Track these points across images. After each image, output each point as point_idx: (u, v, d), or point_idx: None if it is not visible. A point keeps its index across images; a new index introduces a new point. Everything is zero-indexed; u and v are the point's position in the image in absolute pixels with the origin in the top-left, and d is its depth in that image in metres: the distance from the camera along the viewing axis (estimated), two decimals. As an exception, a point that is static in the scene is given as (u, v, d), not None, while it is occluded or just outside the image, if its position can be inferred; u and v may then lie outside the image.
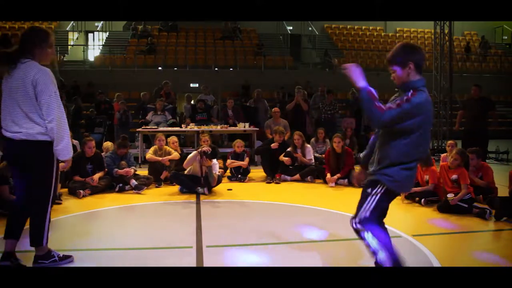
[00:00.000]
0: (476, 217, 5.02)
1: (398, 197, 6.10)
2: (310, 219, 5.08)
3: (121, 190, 6.53)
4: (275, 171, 7.61)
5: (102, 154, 7.02)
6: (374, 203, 2.82)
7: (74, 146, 7.18)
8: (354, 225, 2.88)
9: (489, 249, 4.05)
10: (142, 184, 6.58)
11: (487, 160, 8.79)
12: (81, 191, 6.09)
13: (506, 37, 24.71)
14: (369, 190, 2.85)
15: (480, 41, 21.57)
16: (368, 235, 2.81)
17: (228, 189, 6.75)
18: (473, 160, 5.74)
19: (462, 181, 5.25)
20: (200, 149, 6.43)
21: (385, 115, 2.60)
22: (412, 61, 2.75)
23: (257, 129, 9.73)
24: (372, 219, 2.82)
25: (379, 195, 2.81)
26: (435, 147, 11.08)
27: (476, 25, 23.46)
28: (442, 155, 7.24)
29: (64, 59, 17.83)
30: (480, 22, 22.95)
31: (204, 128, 9.35)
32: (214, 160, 6.66)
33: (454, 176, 5.35)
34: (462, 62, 19.85)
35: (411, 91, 2.70)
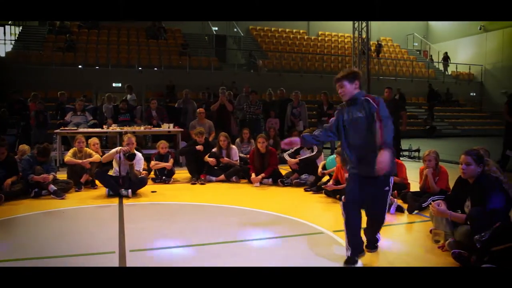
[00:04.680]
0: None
1: (321, 195, 6.35)
2: (236, 219, 5.13)
3: (37, 196, 6.14)
4: (200, 172, 7.59)
5: (16, 157, 6.60)
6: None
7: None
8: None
9: (403, 241, 4.36)
10: (62, 189, 6.25)
11: (401, 158, 9.38)
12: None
13: (416, 44, 26.67)
14: (386, 188, 3.30)
15: (376, 45, 22.99)
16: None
17: (152, 191, 6.61)
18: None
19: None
20: (120, 149, 6.38)
21: None
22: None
23: (182, 130, 9.64)
24: None
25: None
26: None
27: (391, 32, 25.10)
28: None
29: (-29, 54, 16.50)
30: (394, 29, 24.81)
31: (127, 129, 9.09)
32: (139, 155, 6.61)
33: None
34: (378, 66, 21.08)
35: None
